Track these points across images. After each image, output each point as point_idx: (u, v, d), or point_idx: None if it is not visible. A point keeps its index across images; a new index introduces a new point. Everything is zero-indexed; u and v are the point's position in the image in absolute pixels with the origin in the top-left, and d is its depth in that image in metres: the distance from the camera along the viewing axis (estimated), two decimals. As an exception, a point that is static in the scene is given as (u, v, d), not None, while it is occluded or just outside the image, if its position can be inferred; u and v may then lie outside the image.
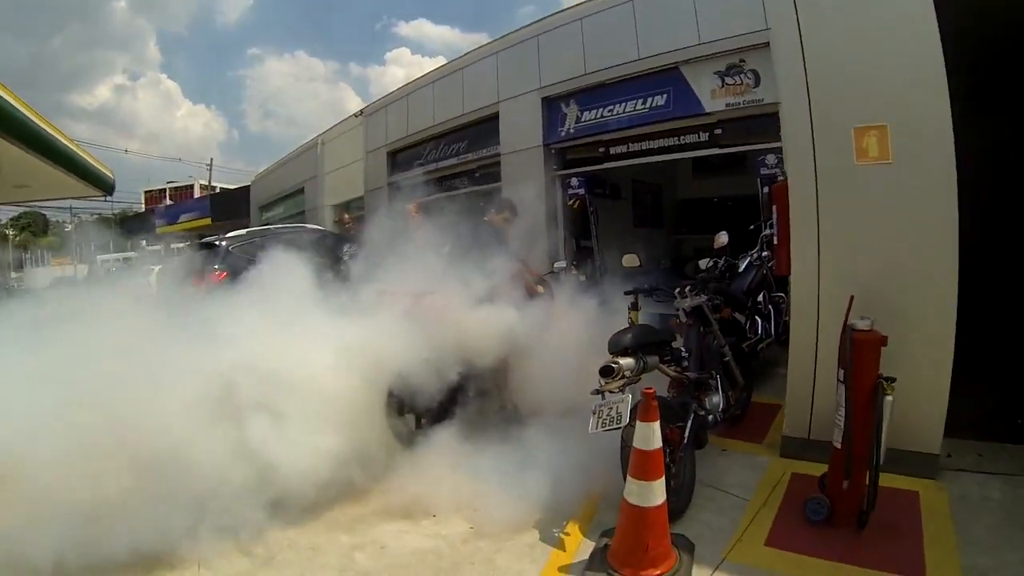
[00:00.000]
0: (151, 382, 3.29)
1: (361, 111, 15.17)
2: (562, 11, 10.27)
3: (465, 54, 12.25)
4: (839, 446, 3.17)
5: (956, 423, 3.72)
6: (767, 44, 6.79)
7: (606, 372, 3.17)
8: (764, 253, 6.31)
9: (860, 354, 3.11)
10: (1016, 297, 6.36)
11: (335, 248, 8.02)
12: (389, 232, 5.06)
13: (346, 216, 8.52)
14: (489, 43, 11.86)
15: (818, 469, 3.48)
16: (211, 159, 54.39)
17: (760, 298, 6.13)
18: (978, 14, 4.05)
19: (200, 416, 3.29)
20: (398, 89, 14.10)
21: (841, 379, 3.20)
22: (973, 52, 4.08)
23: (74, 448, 2.93)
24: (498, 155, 11.24)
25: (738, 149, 8.04)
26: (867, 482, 3.07)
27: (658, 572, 2.76)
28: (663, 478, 2.83)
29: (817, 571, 2.81)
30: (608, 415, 3.10)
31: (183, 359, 3.49)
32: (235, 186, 31.35)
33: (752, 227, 6.83)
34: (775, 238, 4.64)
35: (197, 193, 37.62)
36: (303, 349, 3.67)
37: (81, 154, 10.91)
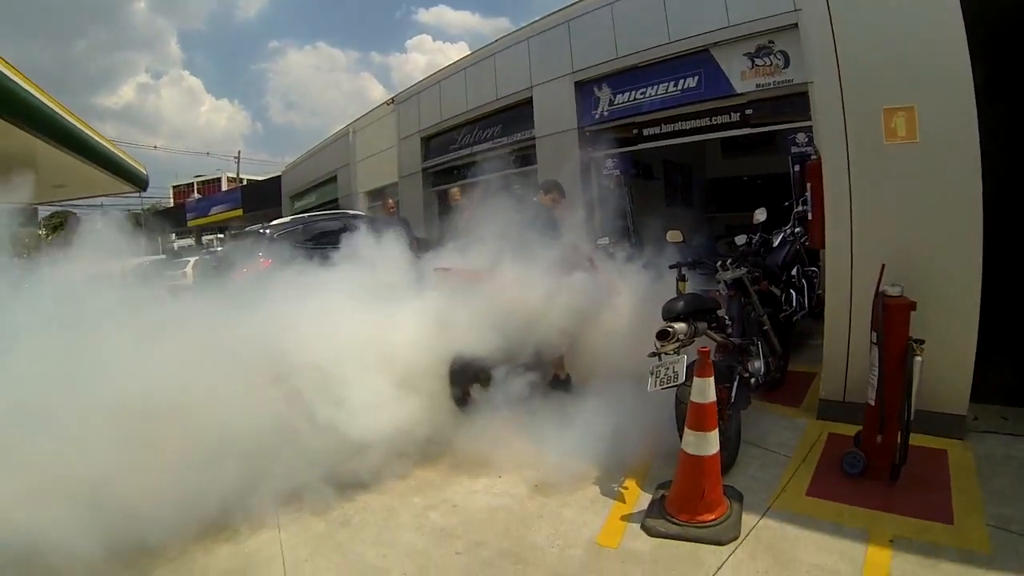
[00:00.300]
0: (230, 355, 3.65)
1: (392, 99, 15.52)
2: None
3: (496, 40, 12.51)
4: (873, 403, 3.47)
5: (982, 390, 3.99)
6: (795, 25, 6.99)
7: (662, 335, 3.47)
8: (797, 229, 6.52)
9: (892, 318, 3.39)
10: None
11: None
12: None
13: (390, 201, 8.85)
14: (519, 29, 12.12)
15: (853, 429, 3.77)
16: (239, 151, 54.94)
17: (794, 272, 6.37)
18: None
19: (280, 388, 3.66)
20: (430, 76, 14.41)
21: (874, 341, 3.48)
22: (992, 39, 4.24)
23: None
24: (532, 139, 11.54)
25: (768, 129, 8.22)
26: (899, 437, 3.36)
27: (712, 517, 3.10)
28: (717, 429, 3.16)
29: (854, 518, 3.10)
30: (666, 374, 3.41)
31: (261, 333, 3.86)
32: (263, 177, 31.85)
33: (786, 204, 7.04)
34: (809, 214, 4.89)
35: (224, 186, 38.07)
36: (375, 323, 4.04)
37: (115, 151, 11.43)
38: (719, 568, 2.79)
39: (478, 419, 4.22)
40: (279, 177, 24.56)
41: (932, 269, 3.74)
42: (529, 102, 11.55)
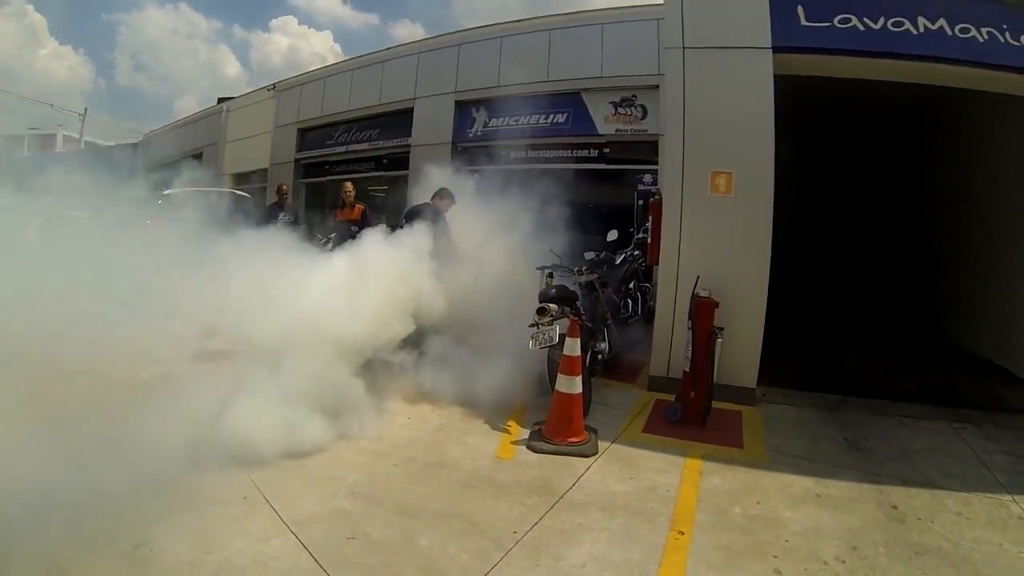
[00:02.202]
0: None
1: (274, 85, 15.64)
2: (485, 27, 11.69)
3: (388, 48, 13.25)
4: (688, 371, 4.98)
5: (772, 376, 5.75)
6: (656, 87, 8.70)
7: (541, 311, 4.77)
8: (636, 252, 8.17)
9: (702, 312, 4.94)
10: (813, 297, 8.89)
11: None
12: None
13: (284, 187, 9.29)
14: (413, 42, 13.02)
15: (674, 397, 5.23)
16: (85, 109, 46.52)
17: (631, 285, 8.01)
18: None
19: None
20: (316, 69, 14.86)
21: (689, 328, 5.04)
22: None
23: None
24: (408, 146, 12.37)
25: (621, 167, 9.88)
26: (704, 394, 4.88)
27: (578, 439, 4.36)
28: (581, 375, 4.47)
29: (676, 445, 4.50)
30: (543, 338, 4.67)
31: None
32: (111, 143, 28.90)
33: (630, 230, 8.67)
34: (648, 239, 6.47)
35: (59, 146, 33.39)
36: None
37: None
38: (587, 468, 4.04)
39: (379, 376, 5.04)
40: (134, 145, 22.87)
41: (734, 282, 5.32)
42: (410, 112, 12.44)
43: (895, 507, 3.60)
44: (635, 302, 7.94)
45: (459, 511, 3.43)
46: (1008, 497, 3.81)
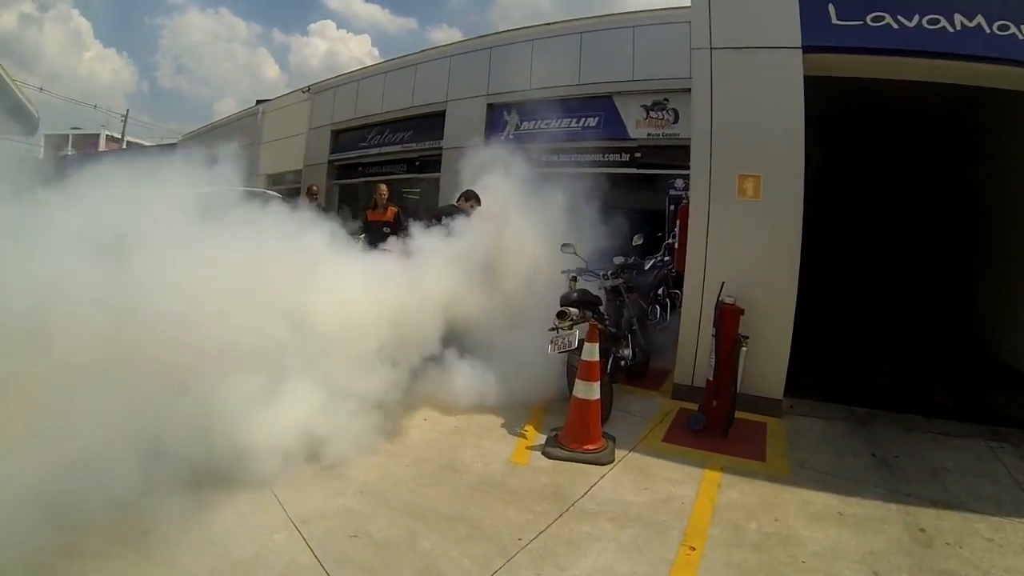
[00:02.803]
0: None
1: (309, 87, 15.88)
2: (516, 29, 11.67)
3: (421, 51, 13.35)
4: (711, 379, 4.84)
5: (800, 388, 5.58)
6: (688, 89, 8.54)
7: (561, 315, 4.65)
8: (666, 257, 8.02)
9: (725, 319, 4.80)
10: (842, 307, 8.63)
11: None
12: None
13: (314, 187, 9.42)
14: (443, 45, 13.10)
15: (698, 406, 5.11)
16: (127, 110, 49.29)
17: (660, 292, 7.86)
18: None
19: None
20: (349, 72, 15.03)
21: (713, 335, 4.88)
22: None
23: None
24: (440, 149, 12.41)
25: (652, 172, 9.76)
26: (727, 404, 4.74)
27: (594, 447, 4.27)
28: (599, 381, 4.37)
29: (696, 455, 4.38)
30: (562, 342, 4.57)
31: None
32: (150, 143, 29.87)
33: (658, 235, 8.54)
34: (676, 244, 6.33)
35: (102, 145, 34.50)
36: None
37: (9, 82, 10.14)
38: (602, 477, 3.95)
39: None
40: (173, 145, 23.54)
41: (761, 289, 5.18)
42: (442, 114, 12.49)
43: (922, 530, 3.42)
44: (663, 308, 7.78)
45: (466, 515, 3.39)
46: (1045, 523, 3.60)
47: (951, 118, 9.02)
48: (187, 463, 3.25)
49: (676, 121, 9.34)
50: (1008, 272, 7.81)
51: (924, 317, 10.22)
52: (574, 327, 4.68)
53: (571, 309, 4.75)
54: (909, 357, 7.90)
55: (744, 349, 4.73)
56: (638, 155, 9.88)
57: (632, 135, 9.83)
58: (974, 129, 8.74)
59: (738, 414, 4.94)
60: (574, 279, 5.75)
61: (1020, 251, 7.55)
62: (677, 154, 9.03)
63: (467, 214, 6.33)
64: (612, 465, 4.15)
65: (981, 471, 4.33)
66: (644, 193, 12.51)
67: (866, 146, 11.33)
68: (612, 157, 10.24)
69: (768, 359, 5.25)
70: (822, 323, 8.96)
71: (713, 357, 4.85)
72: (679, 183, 9.07)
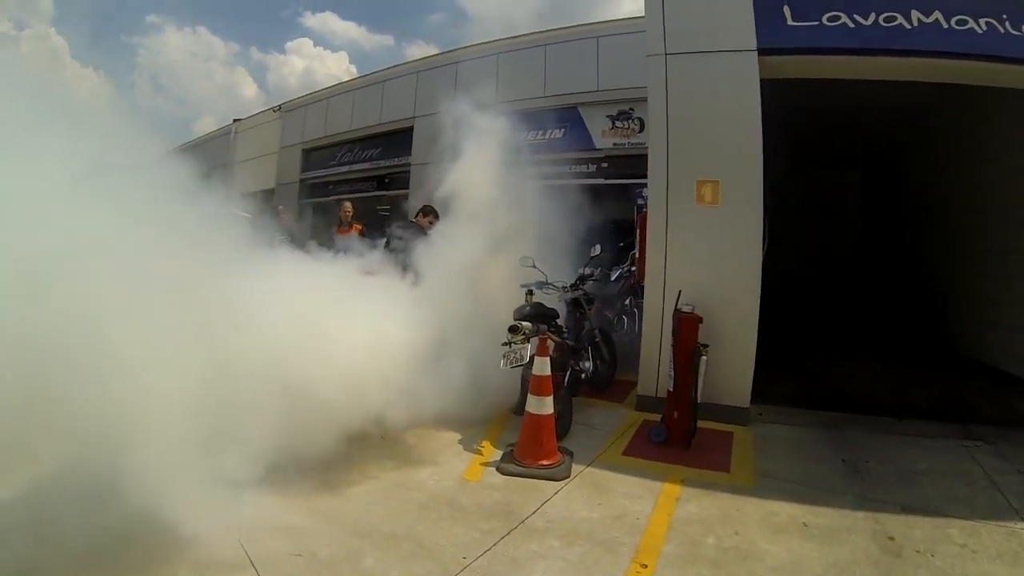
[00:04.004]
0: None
1: (280, 106, 15.71)
2: (481, 44, 11.59)
3: (387, 68, 13.25)
4: (671, 389, 4.65)
5: (769, 395, 5.45)
6: (652, 98, 8.50)
7: (513, 330, 4.46)
8: (633, 267, 7.87)
9: (683, 327, 4.63)
10: (810, 313, 8.54)
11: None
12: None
13: (279, 207, 9.28)
14: (409, 62, 12.99)
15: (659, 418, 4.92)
16: None
17: (627, 302, 7.70)
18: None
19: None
20: (320, 91, 14.88)
21: (672, 345, 4.70)
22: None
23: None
24: (408, 165, 12.27)
25: (620, 181, 9.64)
26: (687, 414, 4.54)
27: (549, 462, 4.06)
28: (552, 396, 4.18)
29: (656, 468, 4.17)
30: (514, 356, 4.37)
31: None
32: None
33: (622, 244, 8.38)
34: (638, 253, 6.19)
35: None
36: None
37: None
38: (555, 493, 3.74)
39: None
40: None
41: (723, 296, 5.04)
42: (410, 130, 12.36)
43: (891, 538, 3.24)
44: (631, 318, 7.62)
45: (412, 533, 3.21)
46: (1021, 524, 3.43)
47: (919, 115, 9.01)
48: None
49: (641, 130, 9.25)
50: (982, 270, 7.78)
51: (898, 317, 10.16)
52: (527, 341, 4.50)
53: (523, 323, 4.57)
54: (883, 358, 7.77)
55: (704, 358, 4.53)
56: (605, 165, 9.78)
57: (598, 145, 9.74)
58: (942, 127, 8.74)
59: (704, 424, 4.75)
60: (530, 293, 5.58)
61: (993, 248, 7.51)
62: (643, 163, 8.90)
63: (424, 230, 6.17)
64: (567, 480, 3.95)
65: (955, 472, 4.18)
66: (612, 203, 12.46)
67: (836, 146, 11.33)
68: (579, 168, 10.12)
69: (733, 367, 5.07)
70: (793, 327, 8.86)
71: (672, 368, 4.67)
72: (645, 192, 8.94)
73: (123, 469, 2.71)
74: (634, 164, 9.35)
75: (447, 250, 5.69)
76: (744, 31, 5.16)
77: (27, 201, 2.73)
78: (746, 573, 2.87)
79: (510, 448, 4.30)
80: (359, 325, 4.15)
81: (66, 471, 2.96)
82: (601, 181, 9.87)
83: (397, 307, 4.62)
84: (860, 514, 3.51)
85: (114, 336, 2.72)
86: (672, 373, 4.67)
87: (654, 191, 5.49)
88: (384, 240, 6.23)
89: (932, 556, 3.07)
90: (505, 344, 4.45)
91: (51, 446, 2.89)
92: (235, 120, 18.23)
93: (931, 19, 4.96)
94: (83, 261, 2.76)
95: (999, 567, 3.01)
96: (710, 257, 5.19)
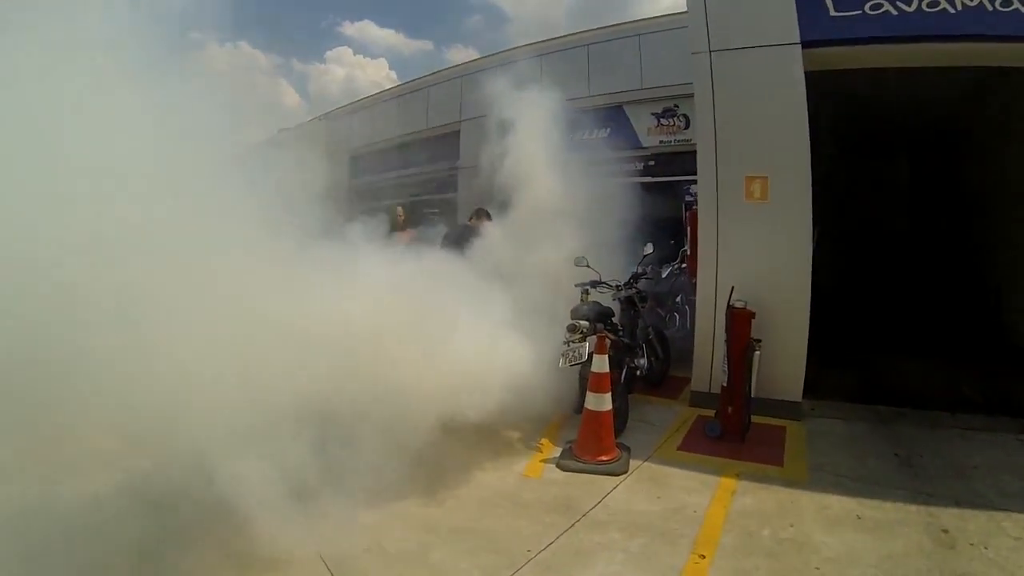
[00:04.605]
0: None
1: (326, 115, 16.17)
2: (523, 46, 11.74)
3: (431, 74, 13.51)
4: (725, 384, 4.77)
5: (822, 390, 5.57)
6: (695, 94, 8.53)
7: (571, 329, 4.69)
8: (683, 265, 7.95)
9: (736, 323, 4.75)
10: (864, 308, 8.48)
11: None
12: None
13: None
14: (453, 67, 13.21)
15: (713, 413, 5.05)
16: None
17: (678, 299, 7.80)
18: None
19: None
20: (363, 98, 15.25)
21: (725, 340, 4.81)
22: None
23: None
24: (456, 168, 12.50)
25: (667, 179, 9.69)
26: (742, 409, 4.67)
27: (608, 458, 4.25)
28: (610, 392, 4.35)
29: (712, 463, 4.32)
30: (573, 355, 4.57)
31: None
32: None
33: (673, 242, 8.46)
34: (689, 251, 6.30)
35: None
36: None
37: None
38: (615, 488, 3.92)
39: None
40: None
41: (774, 292, 5.12)
42: (457, 134, 12.59)
43: (945, 531, 3.32)
44: (683, 316, 7.72)
45: (477, 528, 3.42)
46: (1077, 519, 3.45)
47: (970, 101, 8.79)
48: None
49: (687, 127, 9.26)
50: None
51: (951, 308, 9.95)
52: (585, 340, 4.68)
53: (581, 322, 4.77)
54: (936, 351, 7.67)
55: (757, 353, 4.66)
56: (651, 163, 9.83)
57: (644, 143, 9.78)
58: (994, 112, 8.51)
59: (757, 419, 4.88)
60: (586, 292, 5.76)
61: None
62: (690, 160, 8.95)
63: (478, 232, 6.40)
64: (625, 475, 4.13)
65: (1009, 467, 4.18)
66: (660, 200, 12.46)
67: (886, 138, 11.12)
68: (626, 166, 10.19)
69: (785, 361, 5.16)
70: (846, 322, 8.79)
71: (726, 363, 4.79)
72: (694, 189, 8.97)
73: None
74: (680, 161, 9.37)
75: (506, 247, 5.95)
76: (787, 24, 5.21)
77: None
78: (802, 564, 3.00)
79: (569, 445, 4.50)
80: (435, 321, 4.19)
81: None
82: (648, 179, 9.93)
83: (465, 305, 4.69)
84: (913, 507, 3.58)
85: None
86: (726, 368, 4.80)
87: (703, 188, 5.60)
88: (441, 240, 6.50)
89: (986, 549, 3.14)
90: (564, 343, 4.67)
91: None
92: (280, 130, 18.79)
93: (975, 2, 4.89)
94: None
95: (1054, 560, 3.05)
96: (760, 252, 5.28)
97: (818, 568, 2.97)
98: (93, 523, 2.97)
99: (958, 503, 3.62)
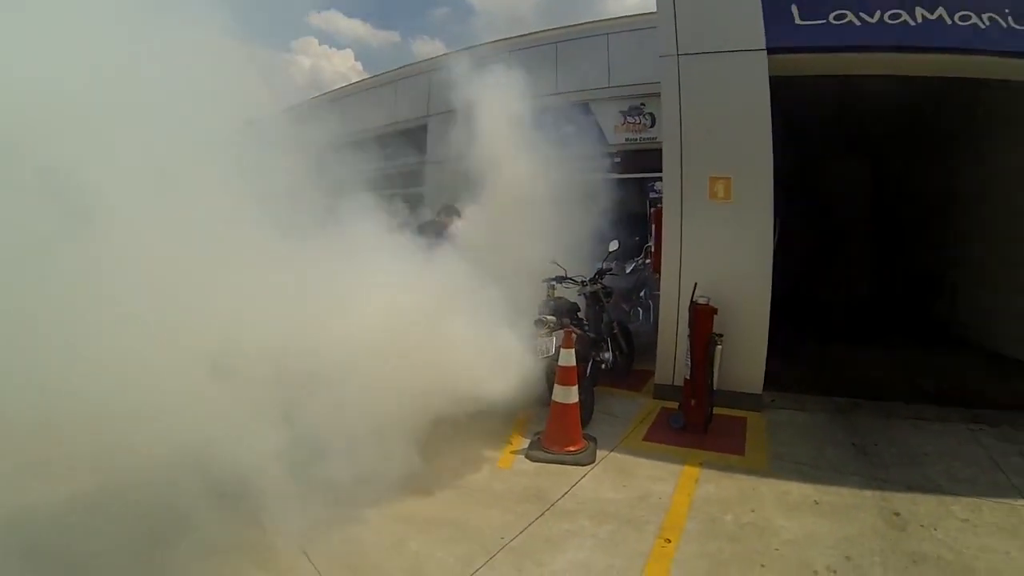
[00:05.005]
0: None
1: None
2: (492, 42, 11.74)
3: (398, 68, 13.43)
4: (688, 378, 4.90)
5: (783, 381, 5.76)
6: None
7: (539, 324, 4.76)
8: (647, 260, 8.09)
9: (699, 318, 4.88)
10: (819, 303, 8.78)
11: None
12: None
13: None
14: (420, 62, 13.16)
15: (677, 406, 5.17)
16: None
17: (642, 294, 7.95)
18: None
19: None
20: (333, 90, 15.07)
21: (688, 335, 4.95)
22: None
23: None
24: (423, 163, 12.47)
25: (632, 175, 9.83)
26: (704, 401, 4.80)
27: (575, 448, 4.33)
28: (576, 385, 4.44)
29: (676, 453, 4.44)
30: (540, 349, 4.64)
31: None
32: None
33: (637, 238, 8.60)
34: (653, 247, 6.43)
35: None
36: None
37: None
38: (582, 477, 4.01)
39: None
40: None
41: (736, 288, 5.26)
42: (424, 129, 12.56)
43: (897, 514, 3.49)
44: (646, 310, 7.87)
45: (450, 518, 3.47)
46: (1021, 501, 3.67)
47: (929, 107, 9.12)
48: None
49: (653, 125, 9.43)
50: (989, 258, 7.95)
51: (909, 305, 10.33)
52: (551, 334, 4.76)
53: (548, 317, 4.85)
54: (893, 345, 7.99)
55: (719, 347, 4.80)
56: (617, 159, 9.96)
57: (610, 140, 9.91)
58: (953, 117, 8.85)
59: (719, 410, 5.02)
60: (552, 287, 5.84)
61: (1001, 236, 7.67)
62: (655, 157, 9.09)
63: (446, 228, 6.42)
64: (593, 465, 4.22)
65: (960, 454, 4.40)
66: (625, 197, 12.60)
67: (847, 134, 11.45)
68: (591, 163, 10.29)
69: (746, 355, 5.32)
70: (805, 316, 9.06)
71: (688, 357, 4.92)
72: (658, 186, 9.13)
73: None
74: (646, 158, 9.52)
75: (476, 238, 5.96)
76: (753, 31, 5.36)
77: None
78: (763, 546, 3.13)
79: (537, 436, 4.57)
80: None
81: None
82: (614, 175, 10.05)
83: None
84: (868, 493, 3.76)
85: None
86: (688, 362, 4.92)
87: (668, 187, 5.72)
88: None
89: (935, 530, 3.31)
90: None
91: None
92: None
93: (935, 15, 5.12)
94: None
95: (998, 539, 3.24)
96: (723, 250, 5.42)
97: (778, 549, 3.09)
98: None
99: (910, 488, 3.81)
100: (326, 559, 3.00)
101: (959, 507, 3.57)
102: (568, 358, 4.46)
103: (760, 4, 5.33)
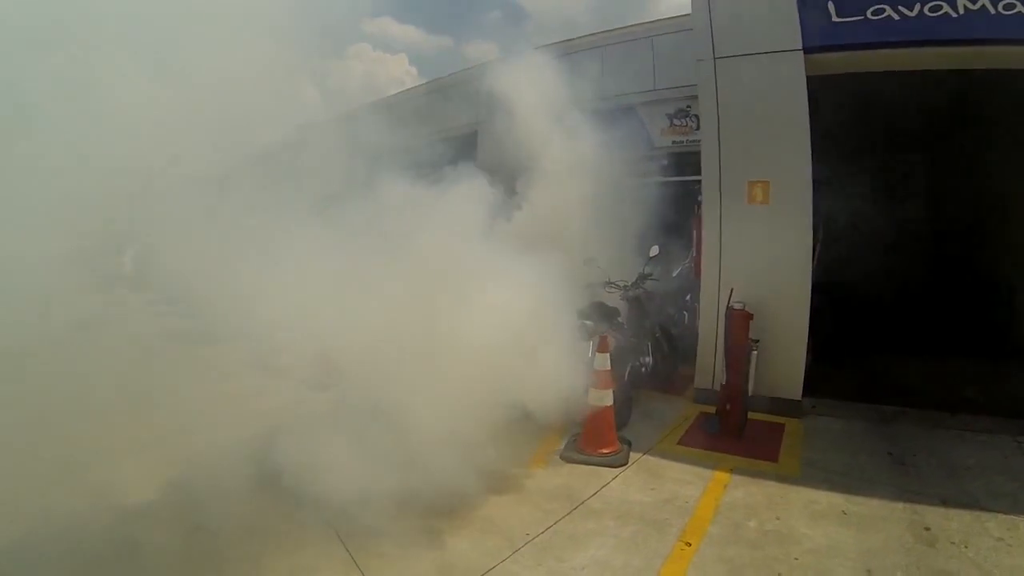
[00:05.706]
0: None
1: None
2: (542, 47, 11.87)
3: (449, 75, 13.71)
4: (725, 383, 4.93)
5: (823, 389, 5.66)
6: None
7: (579, 328, 4.84)
8: (691, 264, 8.09)
9: (734, 324, 4.92)
10: (863, 309, 8.60)
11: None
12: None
13: None
14: (471, 67, 13.38)
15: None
16: None
17: (688, 298, 7.94)
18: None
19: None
20: (385, 98, 15.46)
21: (725, 340, 4.97)
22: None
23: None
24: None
25: (678, 179, 9.78)
26: (739, 407, 4.83)
27: (609, 451, 4.46)
28: (611, 389, 4.55)
29: (708, 457, 4.50)
30: (579, 353, 4.74)
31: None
32: None
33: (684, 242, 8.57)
34: (695, 251, 6.46)
35: None
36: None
37: None
38: (613, 479, 4.13)
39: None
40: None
41: (774, 293, 5.27)
42: (474, 135, 12.77)
43: (927, 528, 3.46)
44: (692, 314, 7.86)
45: (483, 513, 3.65)
46: (1064, 520, 3.55)
47: (982, 98, 8.77)
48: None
49: (699, 127, 9.37)
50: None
51: (961, 308, 9.92)
52: (590, 338, 4.88)
53: (586, 321, 4.96)
54: (943, 351, 7.71)
55: (755, 353, 4.82)
56: (664, 163, 9.94)
57: (657, 144, 9.90)
58: (1008, 109, 8.48)
59: (758, 416, 5.07)
60: (593, 291, 5.96)
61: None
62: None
63: None
64: (625, 467, 4.32)
65: (1003, 468, 4.27)
66: (672, 200, 12.53)
67: (900, 128, 11.07)
68: (639, 166, 10.31)
69: (785, 361, 5.31)
70: (851, 321, 8.83)
71: (725, 363, 4.95)
72: (706, 190, 9.11)
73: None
74: (693, 161, 9.46)
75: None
76: (789, 31, 5.30)
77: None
78: (783, 554, 3.17)
79: (574, 437, 4.70)
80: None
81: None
82: (661, 179, 10.04)
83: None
84: (899, 505, 3.72)
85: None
86: (725, 368, 4.96)
87: (707, 191, 5.75)
88: None
89: (966, 548, 3.26)
90: None
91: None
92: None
93: (977, 6, 4.89)
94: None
95: (1034, 560, 3.16)
96: (762, 255, 5.41)
97: (797, 559, 3.14)
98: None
99: (944, 502, 3.75)
100: (367, 551, 3.20)
101: (995, 524, 3.50)
102: (603, 362, 4.56)
103: (795, 3, 5.26)
